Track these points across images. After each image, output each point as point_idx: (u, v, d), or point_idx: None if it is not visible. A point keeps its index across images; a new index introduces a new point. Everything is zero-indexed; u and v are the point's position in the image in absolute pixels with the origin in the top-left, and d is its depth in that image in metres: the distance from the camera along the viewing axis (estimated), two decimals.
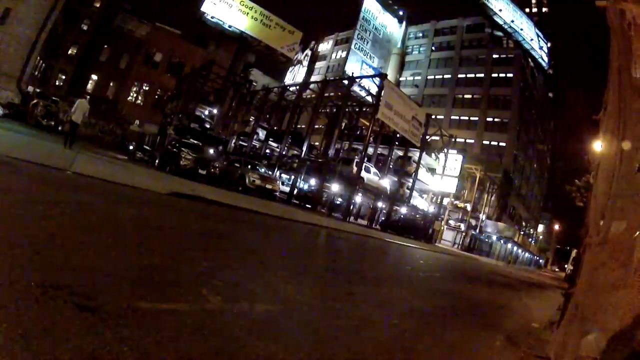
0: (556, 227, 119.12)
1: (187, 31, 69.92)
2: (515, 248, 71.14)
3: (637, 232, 2.68)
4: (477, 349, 4.57)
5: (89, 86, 60.64)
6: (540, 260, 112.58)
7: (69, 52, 58.50)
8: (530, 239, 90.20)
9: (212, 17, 64.69)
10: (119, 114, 54.09)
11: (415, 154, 37.51)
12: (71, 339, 2.13)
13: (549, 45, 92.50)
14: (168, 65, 63.68)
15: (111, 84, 61.38)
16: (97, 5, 60.23)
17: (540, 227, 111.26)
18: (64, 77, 58.64)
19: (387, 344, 3.77)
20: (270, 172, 30.69)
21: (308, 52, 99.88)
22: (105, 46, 60.93)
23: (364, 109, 39.07)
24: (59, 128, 31.80)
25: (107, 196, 8.36)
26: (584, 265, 3.40)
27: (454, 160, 44.38)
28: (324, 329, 3.56)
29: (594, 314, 2.82)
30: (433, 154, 43.04)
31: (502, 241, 64.09)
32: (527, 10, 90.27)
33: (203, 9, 63.96)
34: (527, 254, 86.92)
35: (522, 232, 75.79)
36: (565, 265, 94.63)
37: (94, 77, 61.02)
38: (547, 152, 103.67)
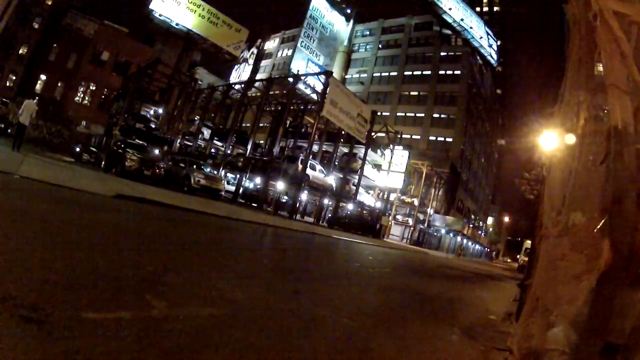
0: (506, 219, 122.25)
1: (135, 29, 68.51)
2: (464, 241, 72.47)
3: (601, 223, 2.66)
4: (434, 344, 4.41)
5: (38, 87, 58.53)
6: (491, 252, 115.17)
7: (20, 51, 56.43)
8: (479, 232, 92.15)
9: (159, 15, 63.74)
10: (66, 115, 52.58)
11: (360, 151, 37.68)
12: (18, 355, 2.05)
13: (498, 43, 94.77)
14: (114, 64, 61.90)
15: (59, 84, 59.49)
16: (49, 2, 58.23)
17: (490, 220, 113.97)
18: (14, 77, 56.54)
19: (339, 343, 3.67)
20: (215, 172, 30.42)
21: (254, 50, 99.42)
22: (55, 45, 59.02)
23: (309, 107, 39.07)
24: (9, 130, 30.77)
25: (53, 200, 8.03)
26: (541, 257, 3.38)
27: (400, 156, 44.80)
28: (273, 331, 3.45)
29: (557, 305, 2.82)
30: (379, 151, 43.31)
31: (451, 234, 65.24)
32: (478, 9, 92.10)
33: (151, 6, 62.93)
34: (477, 246, 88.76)
35: (471, 225, 77.12)
36: (518, 256, 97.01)
37: (43, 77, 59.04)
38: (495, 146, 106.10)
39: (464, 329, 5.26)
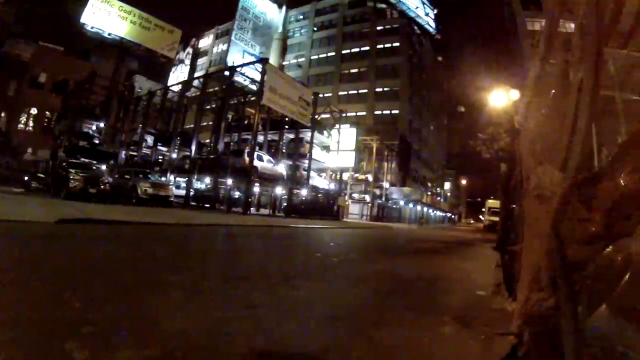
0: (463, 182, 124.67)
1: (71, 46, 67.03)
2: (425, 209, 73.64)
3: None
4: (425, 343, 3.71)
5: None
6: (453, 216, 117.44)
7: None
8: (438, 198, 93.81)
9: (92, 28, 62.04)
10: (12, 145, 51.00)
11: (307, 135, 37.56)
12: None
13: (435, 11, 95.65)
14: (52, 84, 60.44)
15: (2, 114, 57.47)
16: None
17: (447, 185, 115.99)
18: None
19: None
20: (162, 179, 29.92)
21: (189, 49, 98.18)
22: None
23: (250, 98, 38.70)
24: None
25: None
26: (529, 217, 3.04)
27: (348, 135, 44.95)
28: None
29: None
30: (325, 132, 43.20)
31: (410, 205, 66.12)
32: None
33: (83, 20, 61.05)
34: (438, 213, 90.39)
35: (429, 193, 78.43)
36: (481, 217, 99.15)
37: None
38: (444, 112, 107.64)
39: (455, 316, 4.65)
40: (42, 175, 31.01)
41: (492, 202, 51.59)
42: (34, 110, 59.27)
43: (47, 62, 59.47)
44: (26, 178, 32.22)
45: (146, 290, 4.50)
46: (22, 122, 59.08)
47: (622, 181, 2.11)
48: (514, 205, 4.81)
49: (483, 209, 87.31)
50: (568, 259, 2.20)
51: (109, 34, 63.34)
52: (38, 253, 6.51)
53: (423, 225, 58.17)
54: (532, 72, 3.79)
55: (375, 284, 6.54)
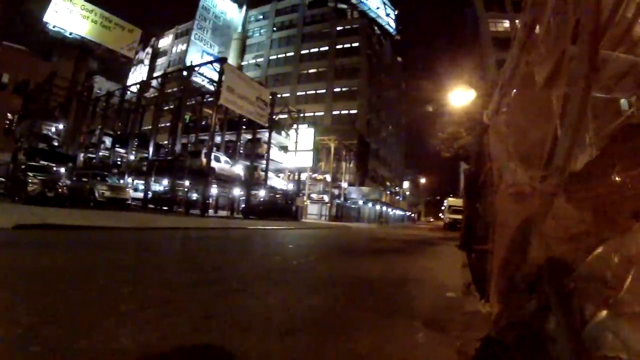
0: (422, 180, 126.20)
1: (34, 46, 65.36)
2: (384, 208, 74.29)
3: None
4: (399, 351, 3.40)
5: None
6: (413, 215, 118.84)
7: None
8: (397, 197, 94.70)
9: (53, 27, 60.74)
10: None
11: (264, 135, 37.77)
12: None
13: (396, 12, 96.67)
14: (14, 85, 58.93)
15: None
16: None
17: (406, 184, 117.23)
18: None
19: None
20: (120, 181, 29.72)
21: (149, 49, 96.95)
22: None
23: (208, 98, 38.61)
24: None
25: None
26: (505, 216, 2.90)
27: (306, 135, 45.13)
28: None
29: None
30: (283, 132, 43.34)
31: (369, 204, 66.60)
32: None
33: (46, 19, 59.67)
34: (397, 212, 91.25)
35: (388, 192, 78.95)
36: (441, 215, 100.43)
37: None
38: (402, 112, 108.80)
39: (427, 321, 4.39)
40: (2, 179, 30.35)
41: (453, 200, 51.39)
42: None
43: (10, 62, 57.93)
44: None
45: (95, 306, 4.09)
46: None
47: (615, 178, 2.00)
48: (477, 204, 4.62)
49: (442, 207, 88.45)
50: (553, 259, 2.07)
51: (70, 33, 62.31)
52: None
53: (382, 225, 58.75)
54: (507, 67, 3.73)
55: (339, 288, 6.25)
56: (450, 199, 55.49)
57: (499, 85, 4.13)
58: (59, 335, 3.06)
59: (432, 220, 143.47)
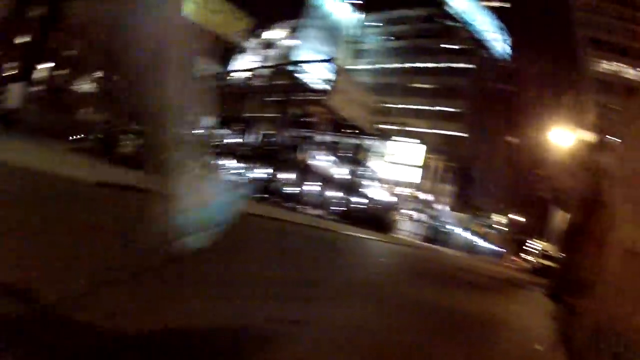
0: (516, 218, 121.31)
1: None
2: (474, 238, 71.78)
3: None
4: None
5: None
6: (501, 251, 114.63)
7: None
8: (489, 230, 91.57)
9: None
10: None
11: (369, 142, 37.02)
12: None
13: (508, 39, 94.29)
14: None
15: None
16: None
17: (499, 218, 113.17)
18: None
19: None
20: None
21: (257, 39, 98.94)
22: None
23: (315, 96, 38.02)
24: None
25: None
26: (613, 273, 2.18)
27: (412, 150, 44.13)
28: None
29: None
30: (387, 142, 42.47)
31: (461, 231, 64.53)
32: (488, 2, 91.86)
33: None
34: (486, 245, 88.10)
35: (481, 223, 76.92)
36: (529, 257, 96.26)
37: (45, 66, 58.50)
38: (507, 143, 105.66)
39: None
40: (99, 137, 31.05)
41: (547, 245, 49.39)
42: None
43: None
44: None
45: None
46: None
47: None
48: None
49: (527, 248, 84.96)
50: None
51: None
52: None
53: (470, 255, 56.59)
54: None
55: (423, 315, 5.48)
56: (543, 243, 53.97)
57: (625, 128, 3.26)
58: None
59: (515, 259, 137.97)
